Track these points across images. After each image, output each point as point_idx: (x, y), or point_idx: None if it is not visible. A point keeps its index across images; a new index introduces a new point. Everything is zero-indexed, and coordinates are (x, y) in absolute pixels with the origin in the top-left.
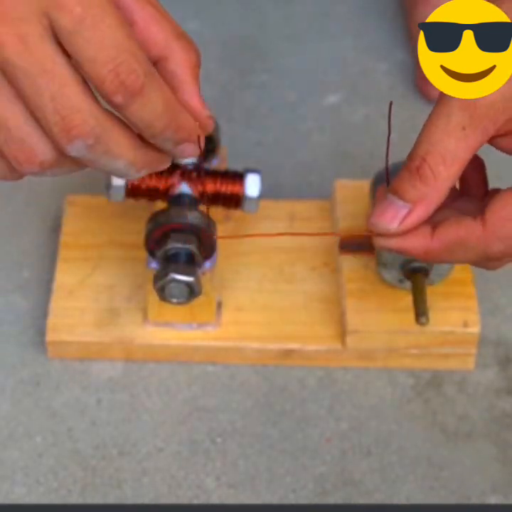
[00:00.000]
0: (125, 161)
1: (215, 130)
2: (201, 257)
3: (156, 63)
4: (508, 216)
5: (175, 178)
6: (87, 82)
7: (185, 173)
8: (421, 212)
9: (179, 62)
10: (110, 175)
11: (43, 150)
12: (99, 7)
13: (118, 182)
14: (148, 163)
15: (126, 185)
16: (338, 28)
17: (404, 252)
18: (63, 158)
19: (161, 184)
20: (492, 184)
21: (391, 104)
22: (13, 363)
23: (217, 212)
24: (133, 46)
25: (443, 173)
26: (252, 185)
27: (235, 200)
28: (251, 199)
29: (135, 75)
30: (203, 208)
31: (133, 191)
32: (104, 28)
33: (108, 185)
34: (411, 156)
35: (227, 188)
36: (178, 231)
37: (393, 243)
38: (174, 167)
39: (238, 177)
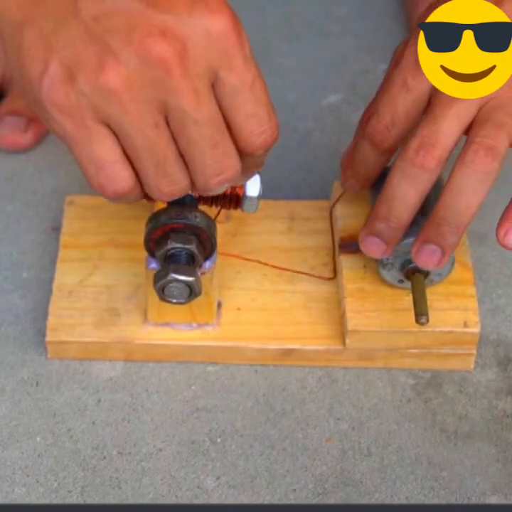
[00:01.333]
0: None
1: None
2: (201, 257)
3: None
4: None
5: None
6: None
7: None
8: None
9: None
10: None
11: (181, 183)
12: (253, 70)
13: None
14: None
15: None
16: (338, 28)
17: None
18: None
19: None
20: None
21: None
22: (13, 363)
23: (217, 212)
24: (272, 106)
25: None
26: (252, 185)
27: (235, 200)
28: (251, 199)
29: (275, 135)
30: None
31: None
32: (259, 89)
33: None
34: None
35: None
36: (178, 231)
37: None
38: None
39: None
